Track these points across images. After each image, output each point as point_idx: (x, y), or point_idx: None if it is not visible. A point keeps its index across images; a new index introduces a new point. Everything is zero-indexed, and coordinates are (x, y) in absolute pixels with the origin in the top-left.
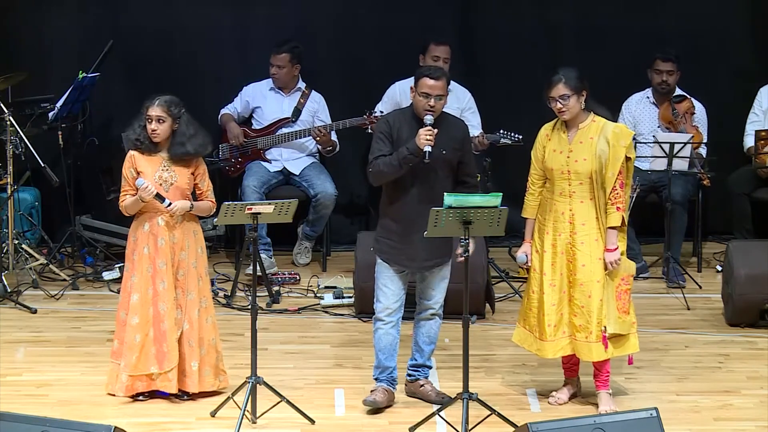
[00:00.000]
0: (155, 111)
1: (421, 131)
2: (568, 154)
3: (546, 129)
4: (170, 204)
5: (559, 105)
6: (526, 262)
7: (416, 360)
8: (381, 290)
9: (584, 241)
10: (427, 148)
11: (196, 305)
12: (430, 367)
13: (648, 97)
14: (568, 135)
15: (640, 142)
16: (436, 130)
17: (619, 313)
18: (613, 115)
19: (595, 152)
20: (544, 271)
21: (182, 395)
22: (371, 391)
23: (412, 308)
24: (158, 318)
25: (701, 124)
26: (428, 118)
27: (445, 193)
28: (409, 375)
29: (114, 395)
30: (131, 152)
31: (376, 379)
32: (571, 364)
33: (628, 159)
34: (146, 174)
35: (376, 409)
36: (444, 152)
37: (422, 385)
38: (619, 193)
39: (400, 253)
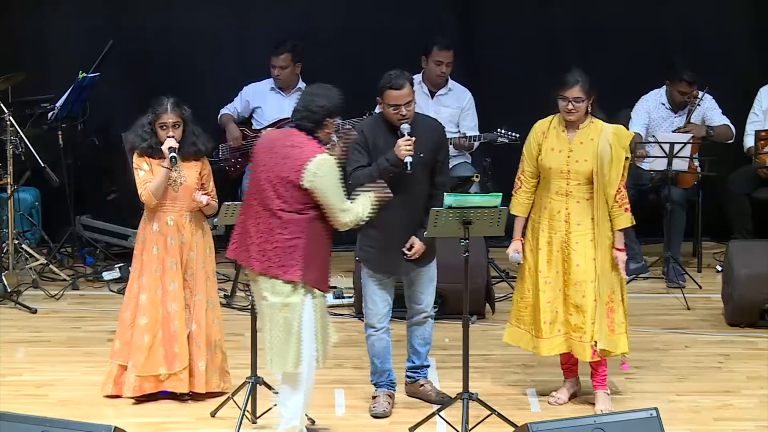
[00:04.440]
0: (171, 118)
1: (400, 142)
2: (569, 153)
3: (541, 126)
4: (174, 159)
5: (570, 106)
6: (521, 261)
7: (413, 362)
8: (370, 298)
9: (579, 240)
10: (408, 159)
11: (203, 306)
12: (428, 366)
13: (663, 104)
14: (568, 135)
15: (641, 143)
16: (414, 138)
17: (608, 331)
18: (613, 115)
19: (597, 154)
20: (540, 269)
21: (185, 395)
22: (373, 397)
23: (401, 309)
24: (168, 318)
25: (714, 116)
26: (405, 127)
27: (445, 194)
28: (408, 377)
29: (111, 396)
30: (137, 156)
31: (375, 384)
32: (570, 363)
33: (626, 159)
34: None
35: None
36: (422, 155)
37: (422, 385)
38: (624, 194)
39: (381, 261)
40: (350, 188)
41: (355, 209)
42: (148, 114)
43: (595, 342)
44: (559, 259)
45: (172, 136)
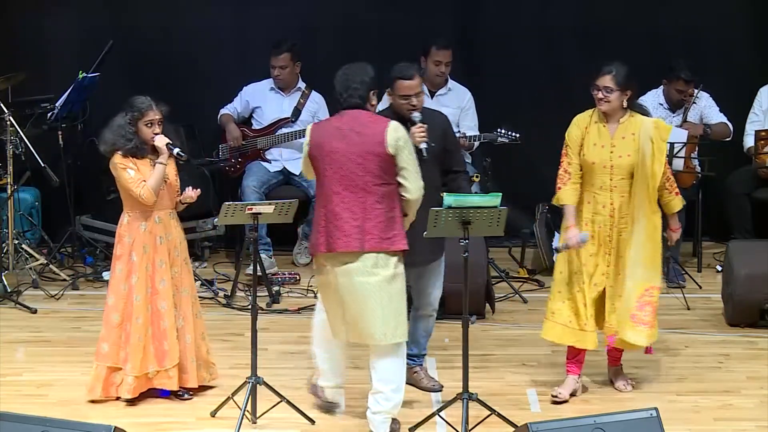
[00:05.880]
0: (158, 114)
1: (414, 129)
2: (611, 148)
3: (582, 121)
4: (179, 151)
5: (600, 95)
6: (580, 242)
7: (412, 350)
8: None
9: (622, 233)
10: (423, 145)
11: (189, 301)
12: (425, 355)
13: (661, 104)
14: (609, 129)
15: None
16: (426, 126)
17: (635, 323)
18: None
19: (639, 148)
20: (584, 263)
21: (182, 393)
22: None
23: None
24: (158, 316)
25: (712, 114)
26: (416, 116)
27: (444, 194)
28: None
29: (96, 402)
30: (120, 157)
31: None
32: (575, 360)
33: None
34: (143, 175)
35: None
36: (433, 144)
37: (416, 372)
38: (673, 180)
39: None
40: None
41: None
42: (125, 114)
43: (616, 332)
44: (602, 253)
45: (158, 133)
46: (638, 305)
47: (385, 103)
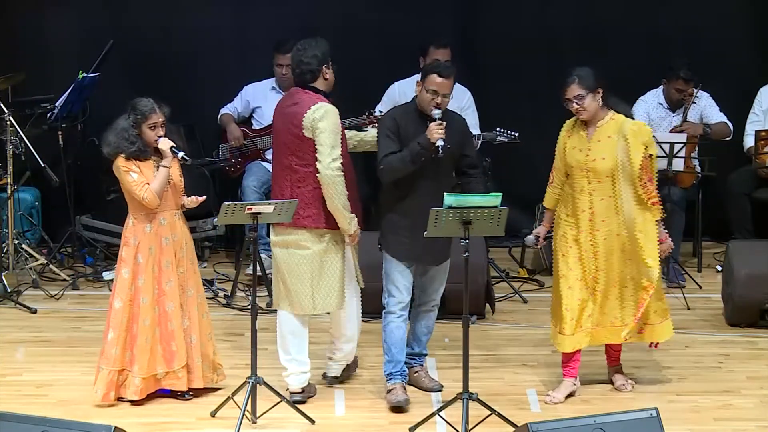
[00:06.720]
0: (162, 117)
1: (432, 125)
2: (587, 152)
3: (567, 126)
4: (183, 155)
5: (575, 105)
6: (536, 243)
7: (413, 349)
8: (393, 284)
9: (606, 237)
10: (440, 142)
11: (194, 301)
12: (425, 355)
13: (661, 103)
14: (588, 133)
15: None
16: (445, 123)
17: (633, 323)
18: None
19: (615, 151)
20: (571, 267)
21: (183, 394)
22: (389, 390)
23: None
24: (165, 317)
25: (713, 114)
26: (436, 113)
27: (445, 194)
28: (406, 363)
29: (112, 404)
30: (123, 160)
31: (389, 374)
32: (571, 362)
33: (650, 156)
34: (146, 177)
35: (397, 408)
36: (449, 146)
37: (417, 372)
38: (650, 188)
39: (409, 249)
40: (382, 173)
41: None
42: (127, 116)
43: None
44: (586, 257)
45: (162, 136)
46: (639, 304)
47: (408, 95)
